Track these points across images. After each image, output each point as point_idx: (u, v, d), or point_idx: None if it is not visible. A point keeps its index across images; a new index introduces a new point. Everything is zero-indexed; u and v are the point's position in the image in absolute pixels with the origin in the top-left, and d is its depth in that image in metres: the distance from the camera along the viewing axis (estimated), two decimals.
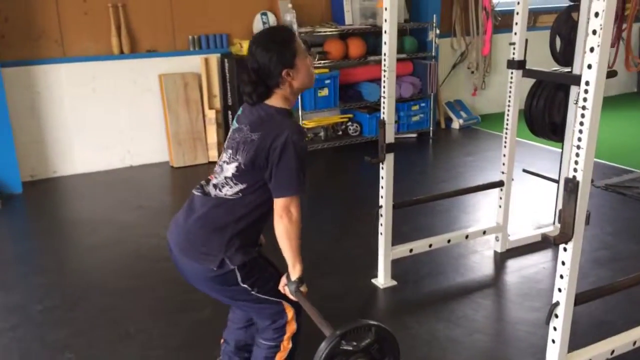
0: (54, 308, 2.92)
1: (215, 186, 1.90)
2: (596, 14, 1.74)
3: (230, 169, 1.86)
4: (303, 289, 1.86)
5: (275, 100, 1.88)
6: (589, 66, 1.80)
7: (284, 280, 1.89)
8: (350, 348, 1.60)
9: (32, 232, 4.04)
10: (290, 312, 1.95)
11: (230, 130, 1.96)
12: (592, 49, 1.77)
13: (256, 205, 1.86)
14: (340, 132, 5.77)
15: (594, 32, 1.75)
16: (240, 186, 1.85)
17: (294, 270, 1.84)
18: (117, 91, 5.00)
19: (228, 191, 1.86)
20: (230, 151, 1.89)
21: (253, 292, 1.89)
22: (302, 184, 1.82)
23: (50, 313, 2.87)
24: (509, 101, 3.24)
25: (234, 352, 2.16)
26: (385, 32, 2.75)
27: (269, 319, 1.96)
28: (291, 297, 1.87)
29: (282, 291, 1.90)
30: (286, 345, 2.00)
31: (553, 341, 2.07)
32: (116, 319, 2.81)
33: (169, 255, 1.98)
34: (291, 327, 1.98)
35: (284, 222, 1.80)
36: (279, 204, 1.81)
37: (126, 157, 5.14)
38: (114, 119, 5.04)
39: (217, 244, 1.83)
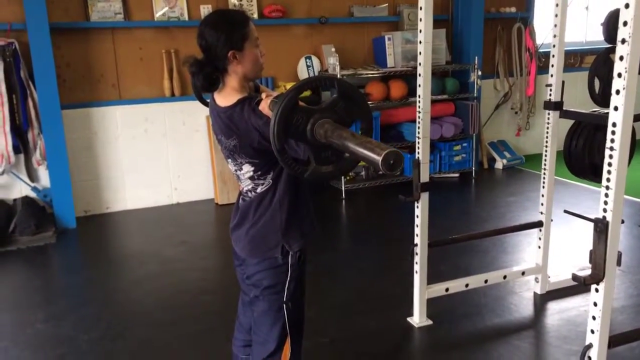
0: (100, 338, 3.05)
1: (249, 191, 1.95)
2: (620, 58, 1.78)
3: (247, 172, 1.90)
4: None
5: (227, 97, 1.85)
6: (615, 108, 1.83)
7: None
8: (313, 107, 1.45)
9: (83, 264, 4.24)
10: (287, 352, 1.98)
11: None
12: (617, 92, 1.81)
13: (287, 180, 1.89)
14: (381, 172, 5.82)
15: (619, 75, 1.79)
16: (269, 176, 1.88)
17: None
18: (167, 131, 5.25)
19: (262, 188, 1.91)
20: (230, 160, 1.93)
21: (285, 307, 1.95)
22: None
23: (95, 343, 3.00)
24: (547, 141, 3.25)
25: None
26: (419, 75, 2.83)
27: (264, 351, 1.98)
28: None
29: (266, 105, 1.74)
30: None
31: None
32: (157, 349, 2.92)
33: (233, 260, 2.10)
34: None
35: None
36: None
37: (173, 194, 5.35)
38: (163, 158, 5.27)
39: (276, 232, 1.91)
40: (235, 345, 2.22)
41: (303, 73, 5.55)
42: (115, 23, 4.92)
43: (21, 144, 4.67)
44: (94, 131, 5.03)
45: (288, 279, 1.95)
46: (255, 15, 5.31)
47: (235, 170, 1.95)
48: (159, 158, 5.26)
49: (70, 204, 4.76)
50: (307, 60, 5.54)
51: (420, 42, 2.76)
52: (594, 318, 1.97)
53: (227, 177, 5.26)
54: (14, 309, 3.46)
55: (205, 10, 5.13)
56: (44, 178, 4.87)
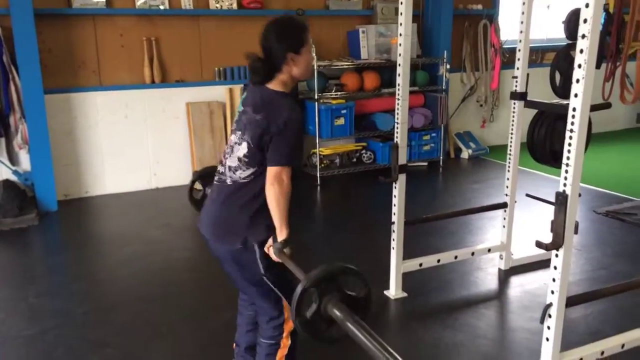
0: (94, 311, 3.20)
1: (230, 168, 2.08)
2: (581, 51, 2.05)
3: (241, 150, 2.05)
4: (287, 250, 2.02)
5: (275, 84, 2.07)
6: (575, 95, 2.09)
7: (270, 242, 2.03)
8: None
9: (67, 245, 4.35)
10: (288, 311, 2.15)
11: (237, 113, 2.17)
12: (577, 80, 2.07)
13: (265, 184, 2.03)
14: (355, 160, 6.07)
15: (579, 65, 2.05)
16: (252, 169, 2.04)
17: (281, 233, 2.00)
18: (147, 118, 5.36)
19: (242, 174, 2.05)
20: (239, 132, 2.08)
21: (265, 277, 2.09)
22: (296, 157, 2.02)
23: (90, 315, 3.15)
24: (512, 129, 3.53)
25: (245, 353, 2.39)
26: (399, 65, 3.06)
27: (268, 314, 2.16)
28: (274, 257, 2.01)
29: (266, 252, 2.04)
30: (285, 342, 2.19)
31: (547, 339, 2.31)
32: (149, 321, 3.08)
33: (204, 242, 2.21)
34: (288, 325, 2.17)
35: (275, 188, 1.96)
36: (272, 172, 1.98)
37: (152, 179, 5.47)
38: (143, 144, 5.39)
39: (240, 224, 2.06)
40: (241, 305, 2.41)
41: None
42: (96, 10, 5.00)
43: (2, 128, 4.73)
44: (75, 116, 5.11)
45: (257, 256, 2.08)
46: (235, 6, 5.46)
47: (235, 144, 2.09)
48: (138, 144, 5.37)
49: (51, 187, 4.84)
50: None
51: (400, 35, 2.99)
52: (553, 280, 2.24)
53: (207, 163, 5.40)
54: (4, 286, 3.57)
55: None
56: (25, 162, 4.93)
